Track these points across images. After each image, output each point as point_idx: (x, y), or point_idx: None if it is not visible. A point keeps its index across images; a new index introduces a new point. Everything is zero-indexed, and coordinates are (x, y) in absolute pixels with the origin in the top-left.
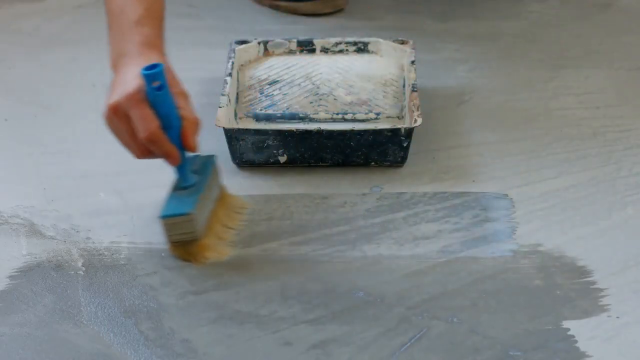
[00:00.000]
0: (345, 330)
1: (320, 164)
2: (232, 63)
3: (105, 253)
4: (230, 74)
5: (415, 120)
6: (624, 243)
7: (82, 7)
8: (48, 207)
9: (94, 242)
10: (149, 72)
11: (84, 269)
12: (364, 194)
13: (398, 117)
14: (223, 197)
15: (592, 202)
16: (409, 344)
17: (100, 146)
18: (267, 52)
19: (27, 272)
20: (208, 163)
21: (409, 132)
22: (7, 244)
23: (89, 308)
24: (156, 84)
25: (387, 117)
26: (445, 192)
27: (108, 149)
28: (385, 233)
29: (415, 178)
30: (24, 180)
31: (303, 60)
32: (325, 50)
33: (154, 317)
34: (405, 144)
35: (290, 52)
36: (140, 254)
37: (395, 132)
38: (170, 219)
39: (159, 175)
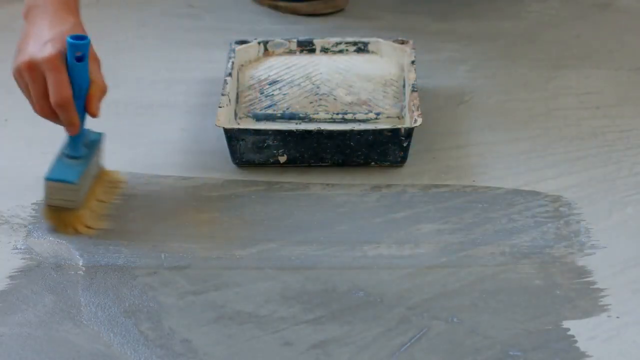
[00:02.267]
0: (345, 330)
1: (320, 164)
2: (232, 63)
3: (106, 253)
4: (230, 74)
5: (415, 120)
6: (624, 243)
7: (82, 7)
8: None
9: (94, 242)
10: (75, 42)
11: (84, 269)
12: (364, 194)
13: (398, 117)
14: (101, 174)
15: (592, 202)
16: (409, 344)
17: None
18: (267, 52)
19: (27, 272)
20: (96, 140)
21: (409, 132)
22: (7, 243)
23: (89, 308)
24: (79, 54)
25: (387, 117)
26: (445, 192)
27: (108, 148)
28: (385, 233)
29: (415, 178)
30: (24, 180)
31: (303, 60)
32: (325, 50)
33: (154, 317)
34: (405, 144)
35: (290, 52)
36: (140, 254)
37: (395, 132)
38: (55, 183)
39: (159, 175)
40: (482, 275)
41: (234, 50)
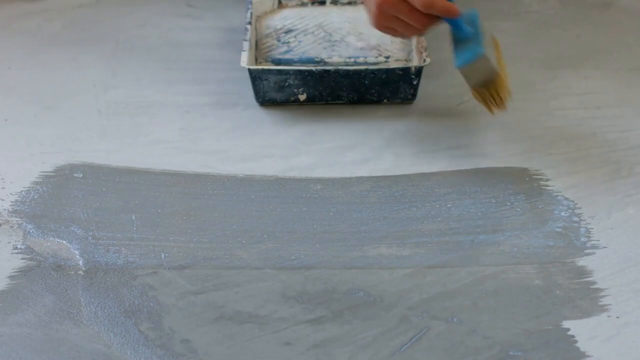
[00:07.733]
0: (345, 330)
1: (337, 101)
2: (251, 13)
3: (106, 253)
4: (250, 22)
5: (424, 60)
6: (624, 243)
7: (82, 7)
8: (48, 206)
9: (94, 242)
10: None
11: (84, 268)
12: (364, 194)
13: (406, 60)
14: (494, 42)
15: (592, 202)
16: (409, 344)
17: (100, 146)
18: (281, 5)
19: (27, 272)
20: (474, 16)
21: (419, 70)
22: (7, 243)
23: (89, 308)
24: None
25: (396, 60)
26: (445, 192)
27: (109, 148)
28: (385, 233)
29: (416, 177)
30: (24, 180)
31: (315, 11)
32: (334, 2)
33: (154, 317)
34: (415, 82)
35: (303, 4)
36: (140, 254)
37: (406, 70)
38: (467, 66)
39: (159, 175)
40: (482, 275)
41: (251, 2)
